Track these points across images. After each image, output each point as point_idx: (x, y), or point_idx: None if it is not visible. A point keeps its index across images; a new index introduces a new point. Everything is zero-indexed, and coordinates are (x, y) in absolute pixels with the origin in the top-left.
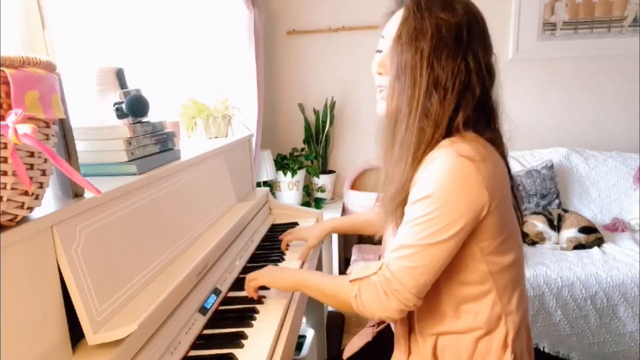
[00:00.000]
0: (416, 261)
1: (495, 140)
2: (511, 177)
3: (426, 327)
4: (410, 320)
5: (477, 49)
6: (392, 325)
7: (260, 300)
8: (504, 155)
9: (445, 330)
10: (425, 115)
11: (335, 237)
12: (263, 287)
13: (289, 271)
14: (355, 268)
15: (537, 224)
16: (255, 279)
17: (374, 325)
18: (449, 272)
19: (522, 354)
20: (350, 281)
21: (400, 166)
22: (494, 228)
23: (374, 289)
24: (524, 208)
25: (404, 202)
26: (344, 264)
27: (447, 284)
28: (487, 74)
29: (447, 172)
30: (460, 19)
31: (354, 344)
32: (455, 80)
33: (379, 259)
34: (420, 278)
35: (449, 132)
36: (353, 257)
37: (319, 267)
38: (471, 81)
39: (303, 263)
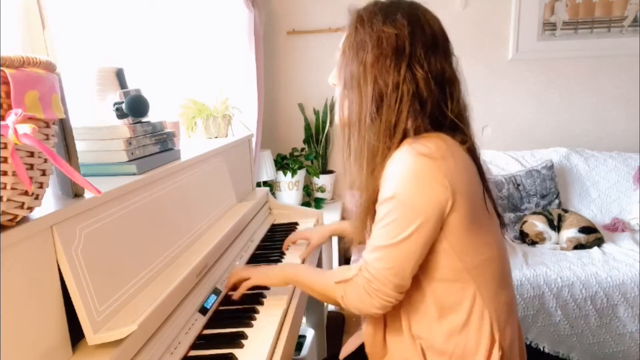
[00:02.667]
0: (390, 262)
1: (464, 141)
2: (483, 174)
3: (414, 330)
4: (393, 323)
5: (423, 58)
6: (368, 329)
7: (260, 300)
8: (473, 153)
9: (432, 330)
10: (376, 125)
11: (335, 237)
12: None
13: (279, 268)
14: (339, 269)
15: (537, 224)
16: (245, 277)
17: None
18: (428, 270)
19: (512, 348)
20: (336, 283)
21: (360, 175)
22: (461, 224)
23: (358, 290)
24: (524, 208)
25: (372, 208)
26: (344, 264)
27: (428, 283)
28: (439, 81)
29: (407, 172)
30: (402, 29)
31: (350, 344)
32: (402, 91)
33: None
34: (396, 276)
35: (406, 136)
36: (353, 257)
37: (318, 266)
38: (419, 90)
39: (303, 261)
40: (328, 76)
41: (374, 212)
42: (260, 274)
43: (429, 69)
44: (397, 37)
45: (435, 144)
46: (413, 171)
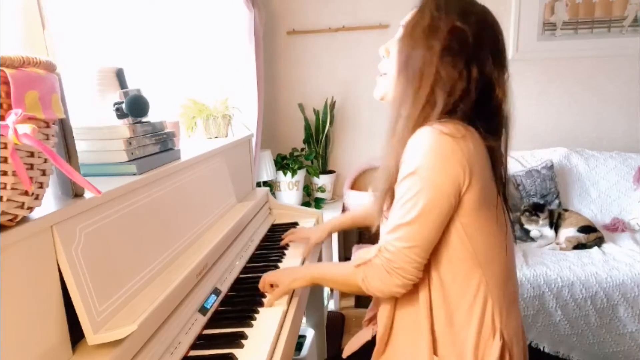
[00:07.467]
0: (410, 240)
1: (484, 138)
2: (500, 175)
3: (422, 313)
4: (404, 306)
5: (482, 62)
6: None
7: (260, 300)
8: (490, 151)
9: (436, 315)
10: (425, 108)
11: (335, 237)
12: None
13: (304, 269)
14: (359, 253)
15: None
16: (272, 281)
17: (374, 323)
18: (437, 253)
19: (515, 341)
20: (356, 266)
21: (393, 152)
22: (474, 205)
23: (378, 271)
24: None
25: (392, 188)
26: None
27: (435, 267)
28: (487, 86)
29: (429, 149)
30: (472, 28)
31: (353, 343)
32: (455, 85)
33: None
34: (417, 254)
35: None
36: (353, 257)
37: None
38: (470, 90)
39: (304, 260)
40: (326, 74)
41: (393, 193)
42: (288, 280)
43: (483, 72)
44: (466, 35)
45: (455, 126)
46: (435, 148)
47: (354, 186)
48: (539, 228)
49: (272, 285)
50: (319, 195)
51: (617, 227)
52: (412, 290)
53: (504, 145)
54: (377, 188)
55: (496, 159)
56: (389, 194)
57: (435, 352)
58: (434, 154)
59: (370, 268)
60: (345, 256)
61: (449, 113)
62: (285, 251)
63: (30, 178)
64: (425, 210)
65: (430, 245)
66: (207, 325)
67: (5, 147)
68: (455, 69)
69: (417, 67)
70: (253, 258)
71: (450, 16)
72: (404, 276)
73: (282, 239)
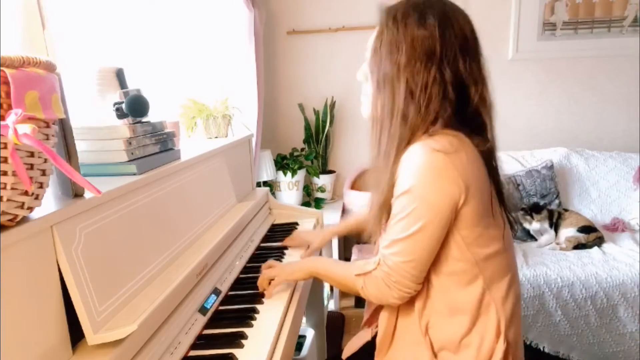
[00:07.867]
0: (407, 255)
1: (479, 144)
2: (494, 175)
3: (424, 321)
4: (405, 313)
5: (452, 60)
6: (384, 323)
7: (260, 300)
8: (486, 156)
9: (439, 324)
10: (405, 122)
11: (335, 237)
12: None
13: (303, 263)
14: (358, 262)
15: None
16: (271, 276)
17: (372, 325)
18: (438, 263)
19: (517, 344)
20: (356, 275)
21: (385, 172)
22: (473, 216)
23: (377, 282)
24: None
25: (388, 204)
26: None
27: (436, 277)
28: (465, 83)
29: (423, 167)
30: (433, 32)
31: (353, 344)
32: (431, 91)
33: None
34: (415, 268)
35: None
36: (353, 257)
37: None
38: (446, 91)
39: None
40: (326, 74)
41: (389, 208)
42: (285, 272)
43: (457, 70)
44: (429, 40)
45: (447, 140)
46: (428, 166)
47: (354, 186)
48: (538, 226)
49: (270, 283)
50: (319, 195)
51: (617, 227)
52: (413, 297)
53: (491, 136)
54: (373, 206)
55: (491, 163)
56: (385, 208)
57: (436, 356)
58: (426, 171)
59: (370, 279)
60: (345, 256)
61: (436, 120)
62: (285, 251)
63: (30, 178)
64: (421, 228)
65: (428, 258)
66: (207, 325)
67: (5, 147)
68: (429, 73)
69: (390, 83)
70: (253, 258)
71: (408, 27)
72: (401, 289)
73: (282, 240)
